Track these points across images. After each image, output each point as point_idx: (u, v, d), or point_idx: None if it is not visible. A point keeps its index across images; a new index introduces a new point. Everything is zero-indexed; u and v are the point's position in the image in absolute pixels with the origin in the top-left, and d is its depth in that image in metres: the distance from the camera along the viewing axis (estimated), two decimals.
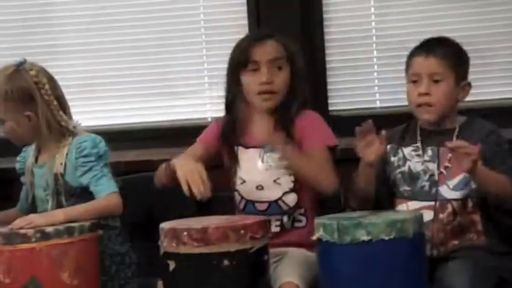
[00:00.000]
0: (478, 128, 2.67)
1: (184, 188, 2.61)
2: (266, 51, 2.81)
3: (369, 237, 2.37)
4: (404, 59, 2.79)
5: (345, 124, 3.55)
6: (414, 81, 2.70)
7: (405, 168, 2.71)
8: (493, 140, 2.63)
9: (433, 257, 2.58)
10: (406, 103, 2.78)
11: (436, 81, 2.67)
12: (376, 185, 2.71)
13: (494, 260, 2.61)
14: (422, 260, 2.47)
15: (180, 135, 3.61)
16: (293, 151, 2.74)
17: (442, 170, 2.66)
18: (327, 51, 3.62)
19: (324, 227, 2.43)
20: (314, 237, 2.47)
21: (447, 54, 2.68)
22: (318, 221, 2.48)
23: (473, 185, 2.61)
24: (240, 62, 2.83)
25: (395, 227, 2.38)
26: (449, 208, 2.63)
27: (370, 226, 2.38)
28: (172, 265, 2.48)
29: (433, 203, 2.65)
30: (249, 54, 2.81)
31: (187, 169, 2.63)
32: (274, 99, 2.82)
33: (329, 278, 2.45)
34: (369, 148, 2.61)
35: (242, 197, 2.87)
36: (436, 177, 2.67)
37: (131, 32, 3.76)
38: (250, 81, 2.82)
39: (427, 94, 2.67)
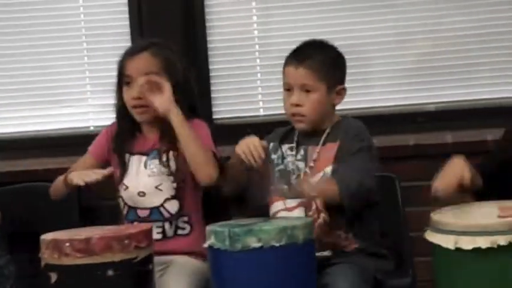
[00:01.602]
0: (344, 127, 2.72)
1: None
2: (138, 65, 2.83)
3: (260, 244, 2.39)
4: None
5: (229, 132, 3.58)
6: (288, 89, 2.74)
7: (282, 166, 2.75)
8: (348, 137, 2.68)
9: (317, 261, 2.61)
10: None
11: (308, 91, 2.71)
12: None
13: (369, 262, 2.66)
14: (312, 266, 2.50)
15: (63, 144, 3.57)
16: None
17: (306, 169, 2.70)
18: (210, 60, 3.63)
19: (215, 234, 2.44)
20: (205, 245, 2.48)
21: (318, 64, 2.70)
22: (209, 228, 2.49)
23: None
24: (118, 75, 2.87)
25: (285, 233, 2.41)
26: (314, 205, 2.66)
27: (261, 233, 2.40)
28: (54, 277, 2.44)
29: (304, 200, 2.67)
30: (124, 69, 2.85)
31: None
32: (149, 112, 2.83)
33: (221, 285, 2.46)
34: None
35: (125, 204, 2.86)
36: (302, 176, 2.70)
37: (14, 39, 3.68)
38: (126, 95, 2.84)
39: (298, 105, 2.71)
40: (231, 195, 2.76)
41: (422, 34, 3.56)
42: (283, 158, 2.76)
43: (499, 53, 3.48)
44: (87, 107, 3.70)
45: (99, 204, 3.28)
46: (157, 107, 2.77)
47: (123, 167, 2.86)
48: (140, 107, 2.83)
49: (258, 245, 2.39)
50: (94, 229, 2.58)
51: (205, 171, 2.75)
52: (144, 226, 2.58)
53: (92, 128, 3.64)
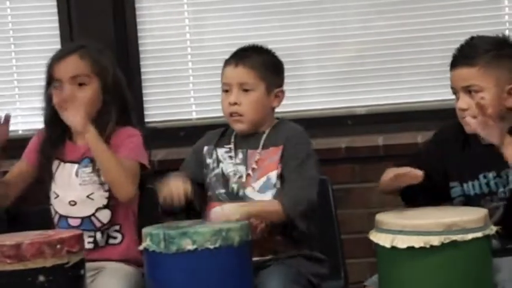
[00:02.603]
0: (283, 131, 2.72)
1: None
2: (66, 69, 2.79)
3: (194, 246, 2.39)
4: (220, 71, 2.82)
5: (162, 136, 3.57)
6: (226, 91, 2.74)
7: (219, 170, 2.74)
8: (291, 143, 2.68)
9: (254, 264, 2.61)
10: (222, 114, 2.81)
11: (246, 91, 2.71)
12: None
13: (305, 266, 2.67)
14: (248, 268, 2.51)
15: None
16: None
17: (249, 172, 2.70)
18: (142, 63, 3.61)
19: (151, 236, 2.44)
20: (141, 248, 2.47)
21: (257, 64, 2.71)
22: (144, 230, 2.48)
23: (277, 186, 2.66)
24: (46, 80, 2.83)
25: (220, 235, 2.41)
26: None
27: (195, 235, 2.40)
28: None
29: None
30: (52, 73, 2.80)
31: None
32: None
33: None
34: None
35: (56, 212, 2.82)
36: (244, 180, 2.70)
37: None
38: (55, 99, 2.78)
39: (236, 104, 2.71)
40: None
41: (352, 38, 3.59)
42: (218, 161, 2.75)
43: (428, 57, 3.53)
44: (15, 110, 3.64)
45: (28, 210, 3.22)
46: (70, 125, 2.73)
47: (50, 175, 2.82)
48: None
49: (192, 247, 2.39)
50: (24, 234, 2.53)
51: (121, 189, 2.71)
52: (75, 231, 2.54)
53: (20, 132, 3.58)
